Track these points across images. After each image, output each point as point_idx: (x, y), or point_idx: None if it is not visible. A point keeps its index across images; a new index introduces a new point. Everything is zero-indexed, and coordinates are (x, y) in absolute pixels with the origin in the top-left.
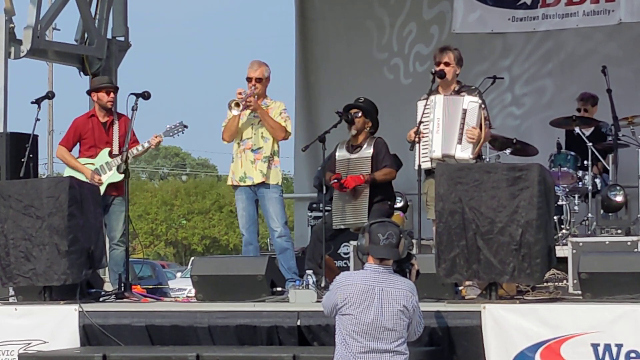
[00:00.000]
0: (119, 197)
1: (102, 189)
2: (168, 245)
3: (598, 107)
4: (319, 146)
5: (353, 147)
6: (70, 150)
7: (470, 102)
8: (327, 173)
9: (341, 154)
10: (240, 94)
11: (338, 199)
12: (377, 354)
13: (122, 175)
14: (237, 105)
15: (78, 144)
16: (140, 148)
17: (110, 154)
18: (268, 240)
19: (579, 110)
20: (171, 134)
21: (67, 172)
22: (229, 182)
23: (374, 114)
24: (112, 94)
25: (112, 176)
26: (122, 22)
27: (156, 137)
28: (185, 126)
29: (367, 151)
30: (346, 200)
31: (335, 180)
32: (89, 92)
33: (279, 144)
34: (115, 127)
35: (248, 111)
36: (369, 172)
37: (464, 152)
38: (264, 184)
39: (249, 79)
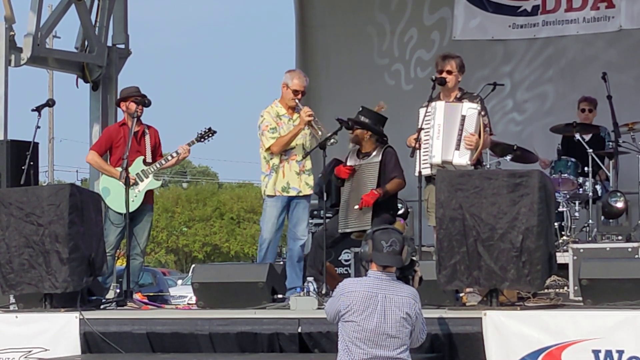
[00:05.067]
0: (150, 205)
1: (141, 196)
2: (169, 252)
3: (598, 113)
4: (319, 153)
5: (362, 155)
6: (101, 157)
7: (469, 108)
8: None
9: (351, 162)
10: (310, 115)
11: (344, 204)
12: None
13: (160, 183)
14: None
15: (108, 153)
16: (169, 158)
17: (145, 162)
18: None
19: (583, 110)
20: (202, 139)
21: (103, 180)
22: (270, 192)
23: (373, 125)
24: (140, 105)
25: (149, 183)
26: (123, 29)
27: (187, 148)
28: (215, 131)
29: (376, 159)
30: (352, 206)
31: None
32: (117, 102)
33: None
34: (147, 137)
35: (292, 121)
36: (376, 181)
37: (462, 158)
38: (304, 195)
39: (297, 92)
